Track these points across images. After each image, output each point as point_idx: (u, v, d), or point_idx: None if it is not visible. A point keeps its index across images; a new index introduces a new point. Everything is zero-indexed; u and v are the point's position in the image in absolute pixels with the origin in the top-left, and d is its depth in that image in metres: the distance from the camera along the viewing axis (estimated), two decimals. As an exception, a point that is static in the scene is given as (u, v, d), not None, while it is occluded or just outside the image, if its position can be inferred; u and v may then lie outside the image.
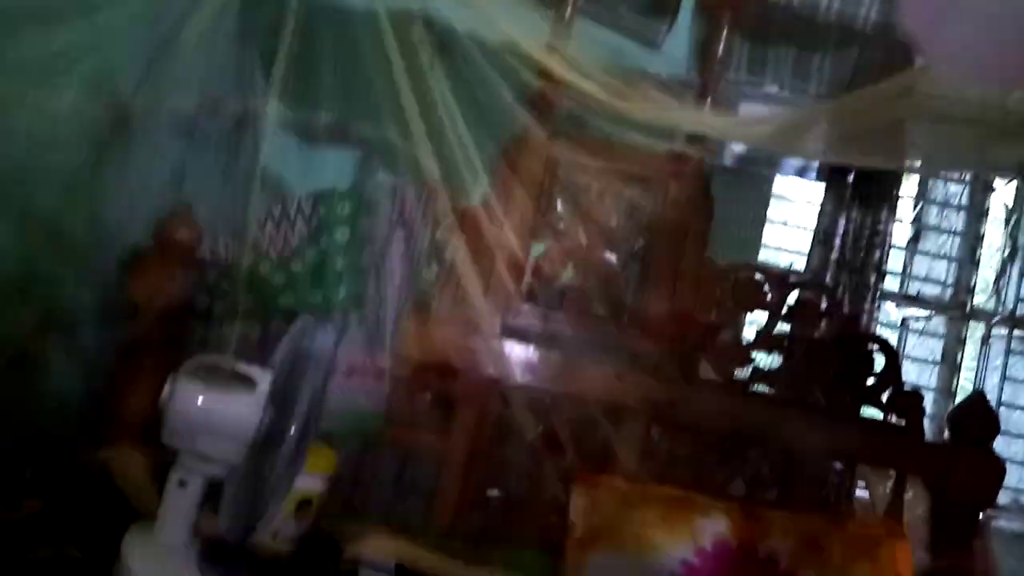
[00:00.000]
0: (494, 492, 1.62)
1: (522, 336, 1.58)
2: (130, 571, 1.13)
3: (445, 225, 1.59)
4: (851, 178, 2.46)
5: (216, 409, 1.15)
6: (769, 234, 2.76)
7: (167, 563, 1.15)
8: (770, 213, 2.72)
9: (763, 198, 2.57)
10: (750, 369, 1.63)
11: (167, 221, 1.57)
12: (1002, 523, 2.52)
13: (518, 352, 1.59)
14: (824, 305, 1.70)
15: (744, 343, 1.65)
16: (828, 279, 2.14)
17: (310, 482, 1.43)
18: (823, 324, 1.69)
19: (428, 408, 1.62)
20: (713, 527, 1.46)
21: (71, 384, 1.52)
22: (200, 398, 1.14)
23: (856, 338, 1.70)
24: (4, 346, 1.36)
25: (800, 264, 2.63)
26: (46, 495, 1.35)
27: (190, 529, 1.20)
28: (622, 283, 1.63)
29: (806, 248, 2.64)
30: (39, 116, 1.41)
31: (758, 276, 1.68)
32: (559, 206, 1.65)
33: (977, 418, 1.61)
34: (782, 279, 1.70)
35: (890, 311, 3.02)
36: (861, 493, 1.90)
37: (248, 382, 1.17)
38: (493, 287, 1.58)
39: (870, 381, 1.64)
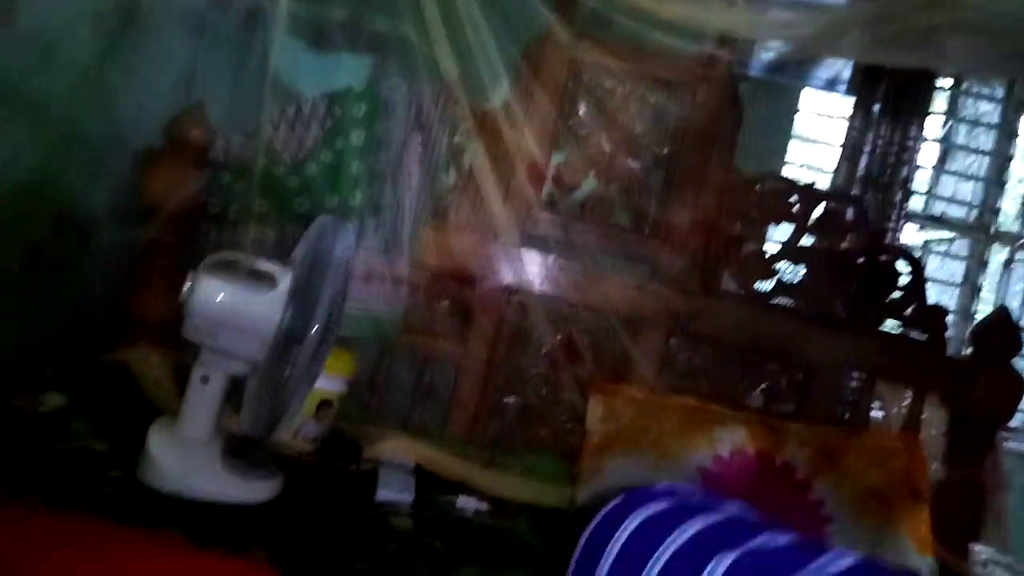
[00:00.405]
0: (511, 400, 1.62)
1: (541, 244, 1.56)
2: (155, 463, 1.15)
3: (464, 129, 1.55)
4: (881, 92, 2.39)
5: (237, 305, 1.14)
6: (793, 149, 2.70)
7: (191, 456, 1.16)
8: (795, 128, 2.66)
9: (789, 111, 2.50)
10: (773, 282, 1.61)
11: (179, 120, 1.53)
12: (1011, 444, 2.54)
13: (537, 261, 1.56)
14: (850, 218, 1.67)
15: (768, 255, 1.62)
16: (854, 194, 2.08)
17: (330, 384, 1.43)
18: (848, 238, 1.66)
19: (446, 315, 1.61)
20: (731, 436, 1.46)
21: (89, 284, 1.51)
22: (221, 294, 1.13)
23: (881, 251, 1.67)
24: (22, 246, 1.34)
25: (824, 181, 2.59)
26: (69, 391, 1.36)
27: (213, 425, 1.20)
28: (645, 191, 1.59)
29: (830, 165, 2.59)
30: (50, 14, 1.36)
31: (785, 186, 1.64)
32: (582, 111, 1.60)
33: (1000, 334, 1.59)
34: (809, 190, 1.66)
35: (912, 234, 2.98)
36: (876, 415, 1.91)
37: (269, 280, 1.16)
38: (512, 194, 1.54)
39: (894, 295, 1.62)
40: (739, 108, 1.65)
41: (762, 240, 1.65)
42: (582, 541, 0.73)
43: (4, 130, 1.28)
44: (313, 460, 1.40)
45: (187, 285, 1.14)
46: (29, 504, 0.94)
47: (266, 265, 1.17)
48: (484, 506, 1.38)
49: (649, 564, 0.64)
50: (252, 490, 1.19)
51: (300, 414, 1.35)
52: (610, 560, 0.66)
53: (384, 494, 1.32)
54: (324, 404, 1.43)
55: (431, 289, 1.59)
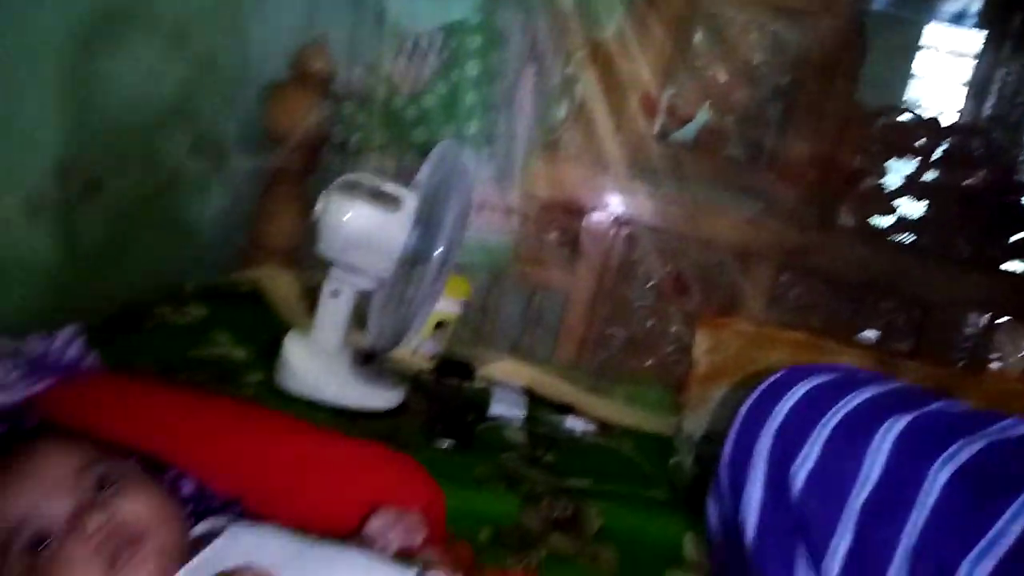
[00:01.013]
0: (617, 330, 1.65)
1: (652, 176, 1.56)
2: (291, 370, 1.24)
3: (577, 59, 1.55)
4: (1016, 26, 2.23)
5: (365, 225, 1.19)
6: (916, 86, 2.57)
7: (323, 364, 1.25)
8: (918, 63, 2.52)
9: (913, 46, 2.37)
10: (893, 218, 1.56)
11: (303, 54, 1.60)
12: None
13: (647, 193, 1.56)
14: (977, 154, 1.59)
15: (887, 190, 1.58)
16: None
17: (447, 305, 1.50)
18: (974, 175, 1.59)
19: (555, 246, 1.64)
20: (841, 371, 1.45)
21: (222, 207, 1.61)
22: (351, 213, 1.19)
23: (1010, 189, 1.59)
24: (162, 166, 1.44)
25: (948, 120, 2.45)
26: (208, 305, 1.47)
27: (342, 336, 1.28)
28: (762, 124, 1.56)
29: (954, 104, 2.45)
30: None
31: (908, 120, 1.58)
32: (698, 40, 1.57)
33: None
34: (934, 124, 1.59)
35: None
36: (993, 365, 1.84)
37: (395, 201, 1.22)
38: (624, 125, 1.54)
39: (1021, 235, 1.55)
40: (863, 40, 1.58)
41: (882, 175, 1.60)
42: (741, 413, 0.72)
43: (145, 54, 1.35)
44: (430, 376, 1.47)
45: (320, 204, 1.21)
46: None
47: (392, 187, 1.23)
48: (591, 427, 1.43)
49: (816, 429, 0.63)
50: (378, 398, 1.27)
51: (420, 332, 1.42)
52: (773, 427, 0.66)
53: (497, 409, 1.39)
54: (441, 324, 1.49)
55: (541, 219, 1.62)
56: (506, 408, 1.39)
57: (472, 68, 1.57)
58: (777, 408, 0.68)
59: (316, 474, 0.80)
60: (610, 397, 1.56)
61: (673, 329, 1.59)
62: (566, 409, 1.47)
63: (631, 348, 1.63)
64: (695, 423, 1.44)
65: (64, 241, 1.20)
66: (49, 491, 0.57)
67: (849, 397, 0.65)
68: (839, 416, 0.63)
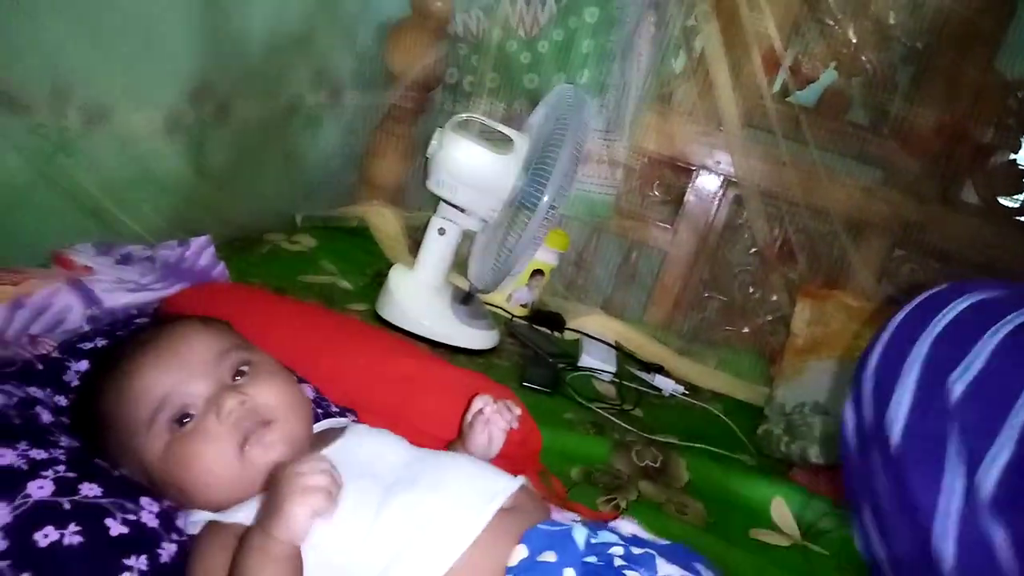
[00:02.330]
0: (714, 293, 1.63)
1: (768, 137, 1.50)
2: (394, 301, 1.27)
3: (700, 11, 1.51)
4: None
5: (477, 164, 1.21)
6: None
7: (425, 299, 1.28)
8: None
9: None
10: (1022, 196, 1.47)
11: (423, -8, 1.61)
12: None
13: (760, 154, 1.52)
14: None
15: (1020, 167, 1.48)
16: None
17: (545, 255, 1.51)
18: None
19: (658, 202, 1.62)
20: (949, 353, 1.38)
21: (335, 141, 1.65)
22: (465, 151, 1.20)
23: None
24: (283, 97, 1.49)
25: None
26: (317, 236, 1.53)
27: (445, 274, 1.31)
28: (890, 88, 1.48)
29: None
30: None
31: (1053, 94, 1.47)
32: (830, -4, 1.50)
33: None
34: (1083, 101, 1.47)
35: None
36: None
37: (507, 143, 1.22)
38: (744, 81, 1.49)
39: None
40: (1010, 2, 1.48)
41: (1015, 151, 1.50)
42: (893, 323, 0.66)
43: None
44: (523, 323, 1.49)
45: (435, 140, 1.23)
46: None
47: (506, 129, 1.23)
48: (680, 388, 1.42)
49: (982, 340, 0.58)
50: (474, 337, 1.30)
51: (517, 278, 1.43)
52: (931, 337, 0.61)
53: (588, 360, 1.39)
54: (537, 273, 1.50)
55: (646, 174, 1.60)
56: (596, 361, 1.40)
57: (590, 15, 1.54)
58: (937, 319, 0.62)
59: (423, 394, 0.83)
60: (701, 360, 1.55)
61: (773, 297, 1.56)
62: (656, 368, 1.47)
63: (727, 313, 1.60)
64: (787, 393, 1.41)
65: (195, 160, 1.26)
66: (193, 372, 0.62)
67: (1020, 312, 0.59)
68: (1008, 328, 0.58)
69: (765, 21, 1.45)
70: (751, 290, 1.59)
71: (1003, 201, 1.48)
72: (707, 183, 1.58)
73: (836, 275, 1.52)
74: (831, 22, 1.49)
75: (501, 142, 1.22)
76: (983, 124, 1.47)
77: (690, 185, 1.58)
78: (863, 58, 1.48)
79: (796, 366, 1.46)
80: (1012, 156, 1.49)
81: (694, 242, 1.60)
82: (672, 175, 1.60)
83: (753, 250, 1.58)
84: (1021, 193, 1.47)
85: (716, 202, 1.58)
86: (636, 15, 1.52)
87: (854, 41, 1.48)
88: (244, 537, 0.55)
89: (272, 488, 0.55)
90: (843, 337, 1.46)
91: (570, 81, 1.56)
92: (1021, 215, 1.47)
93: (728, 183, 1.56)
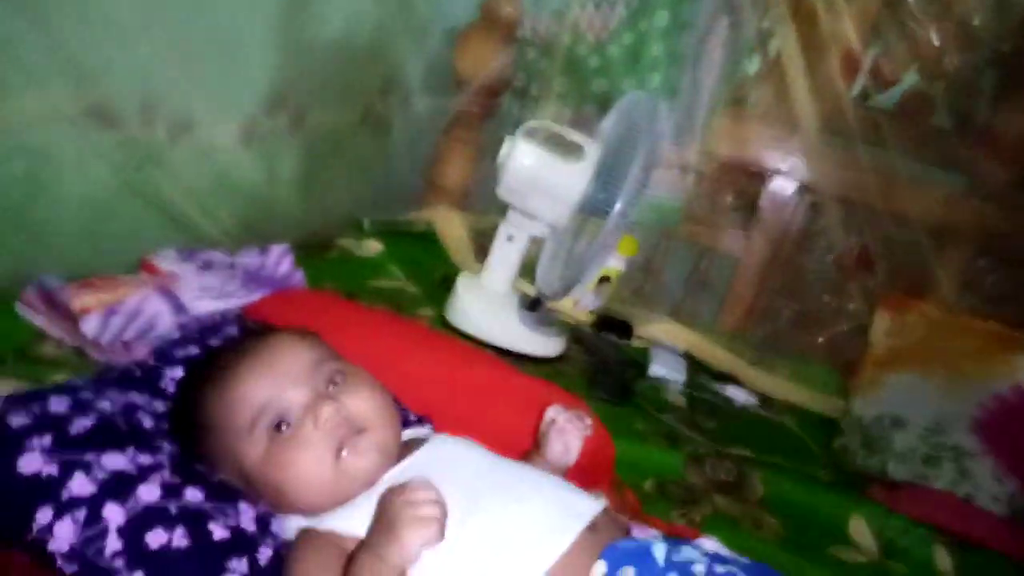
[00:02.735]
0: (789, 302, 1.59)
1: (846, 141, 1.46)
2: (462, 308, 1.28)
3: (775, 12, 1.47)
4: None
5: (547, 171, 1.20)
6: None
7: (492, 305, 1.28)
8: None
9: None
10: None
11: (492, -2, 1.62)
12: None
13: (838, 159, 1.47)
14: None
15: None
16: None
17: (613, 261, 1.49)
18: None
19: (730, 208, 1.59)
20: (1038, 369, 1.32)
21: (404, 147, 1.67)
22: (534, 158, 1.20)
23: None
24: (355, 104, 1.51)
25: None
26: (384, 241, 1.55)
27: (513, 280, 1.31)
28: (975, 92, 1.42)
29: None
30: None
31: None
32: (912, -3, 1.45)
33: None
34: None
35: None
36: None
37: (578, 150, 1.22)
38: (820, 85, 1.45)
39: None
40: (1106, 1, 1.40)
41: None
42: None
43: (349, -1, 1.42)
44: (590, 330, 1.48)
45: (504, 148, 1.23)
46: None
47: (577, 136, 1.23)
48: (753, 399, 1.39)
49: None
50: (542, 344, 1.30)
51: (588, 284, 1.42)
52: None
53: (657, 369, 1.38)
54: (604, 279, 1.49)
55: (718, 180, 1.57)
56: (666, 370, 1.38)
57: (661, 18, 1.52)
58: None
59: (497, 404, 0.83)
60: (774, 371, 1.51)
61: (851, 307, 1.51)
62: (727, 378, 1.44)
63: (801, 322, 1.56)
64: (865, 406, 1.37)
65: (269, 168, 1.29)
66: (291, 380, 0.64)
67: None
68: None
69: (843, 23, 1.41)
70: (826, 299, 1.54)
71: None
72: (782, 188, 1.54)
73: (917, 285, 1.46)
74: (912, 23, 1.44)
75: (571, 149, 1.21)
76: (1077, 130, 1.40)
77: (764, 191, 1.55)
78: (946, 61, 1.42)
79: (874, 379, 1.41)
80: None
81: (768, 249, 1.56)
82: (745, 180, 1.57)
83: (829, 257, 1.54)
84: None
85: (791, 208, 1.54)
86: (708, 18, 1.50)
87: (936, 43, 1.42)
88: (354, 556, 0.57)
89: (384, 510, 0.57)
90: (924, 350, 1.40)
91: (640, 85, 1.54)
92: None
93: (804, 189, 1.52)
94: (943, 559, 1.04)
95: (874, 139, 1.43)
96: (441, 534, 0.56)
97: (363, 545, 0.57)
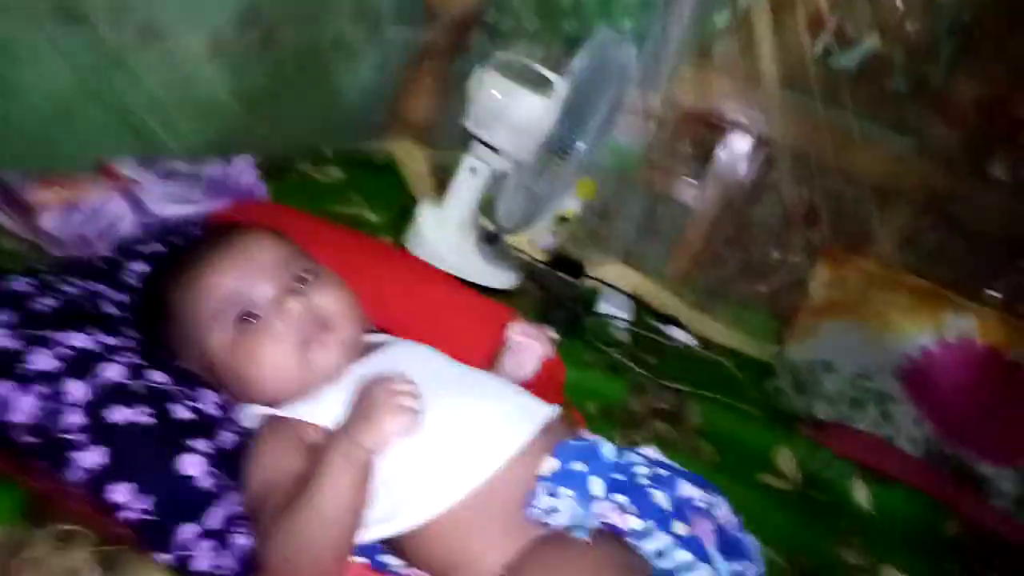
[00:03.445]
0: (735, 251, 1.64)
1: (805, 98, 1.50)
2: (422, 236, 1.30)
3: (746, -34, 1.49)
4: None
5: (515, 103, 1.22)
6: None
7: (452, 236, 1.30)
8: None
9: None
10: (1054, 176, 1.47)
11: (467, -72, 1.60)
12: None
13: (796, 114, 1.51)
14: None
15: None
16: None
17: (571, 202, 1.53)
18: None
19: (688, 156, 1.63)
20: (961, 324, 1.41)
21: (371, 76, 1.66)
22: (503, 90, 1.21)
23: None
24: (326, 27, 1.49)
25: None
26: (345, 169, 1.54)
27: (473, 212, 1.33)
28: (932, 58, 1.47)
29: None
30: None
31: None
32: (880, -41, 1.48)
33: None
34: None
35: None
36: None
37: (547, 85, 1.23)
38: (785, 40, 1.48)
39: None
40: (1062, -22, 1.46)
41: (1052, 129, 1.50)
42: None
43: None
44: (544, 267, 1.52)
45: (475, 77, 1.23)
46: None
47: (547, 72, 1.24)
48: (694, 341, 1.46)
49: None
50: (497, 277, 1.33)
51: (544, 221, 1.45)
52: None
53: (605, 307, 1.43)
54: (562, 219, 1.52)
55: (678, 129, 1.60)
56: (614, 307, 1.43)
57: (635, -37, 1.53)
58: None
59: (456, 319, 0.86)
60: (716, 316, 1.58)
61: (794, 259, 1.57)
62: (671, 320, 1.50)
63: (746, 272, 1.62)
64: (799, 351, 1.45)
65: (235, 85, 1.27)
66: (260, 274, 0.65)
67: None
68: None
69: (812, -20, 1.44)
70: (771, 250, 1.60)
71: (1033, 178, 1.49)
72: (739, 141, 1.58)
73: (858, 241, 1.53)
74: (879, -15, 1.47)
75: (540, 84, 1.23)
76: (1022, 100, 1.46)
77: (721, 141, 1.59)
78: (907, 26, 1.47)
79: (809, 326, 1.49)
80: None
81: (720, 199, 1.61)
82: (705, 131, 1.60)
83: (778, 211, 1.59)
84: (1052, 171, 1.48)
85: (746, 160, 1.59)
86: (682, -35, 1.51)
87: (901, 8, 1.46)
88: (328, 440, 0.59)
89: (365, 398, 0.59)
90: (859, 301, 1.48)
91: (611, 28, 1.55)
92: (1049, 194, 1.48)
93: (760, 142, 1.56)
94: (861, 491, 1.13)
95: (832, 98, 1.48)
96: (418, 424, 0.58)
97: (339, 430, 0.59)
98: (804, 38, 1.45)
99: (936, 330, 1.41)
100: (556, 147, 1.23)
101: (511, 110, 1.22)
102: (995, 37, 1.44)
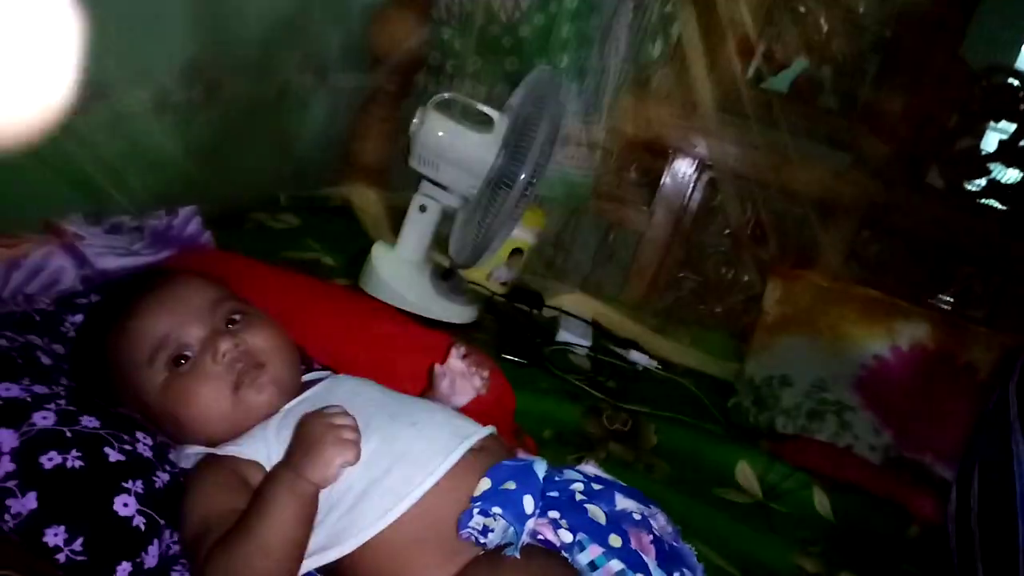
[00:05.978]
0: (689, 274, 1.68)
1: (741, 121, 1.55)
2: (376, 276, 1.31)
3: (677, -2, 1.55)
4: None
5: (457, 142, 1.25)
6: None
7: (406, 274, 1.32)
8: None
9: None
10: (984, 181, 1.53)
11: (408, -24, 1.65)
12: None
13: (734, 138, 1.57)
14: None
15: (983, 153, 1.54)
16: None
17: (523, 234, 1.55)
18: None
19: (635, 184, 1.67)
20: (912, 331, 1.44)
21: (320, 124, 1.69)
22: (445, 129, 1.24)
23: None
24: (272, 78, 1.52)
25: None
26: (301, 215, 1.56)
27: (426, 249, 1.35)
28: (859, 76, 1.54)
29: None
30: None
31: (1015, 82, 1.53)
32: (802, -15, 1.55)
33: None
34: (1043, 89, 1.53)
35: None
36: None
37: (487, 122, 1.26)
38: (718, 67, 1.54)
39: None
40: (975, -6, 1.53)
41: (979, 137, 1.56)
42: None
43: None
44: (502, 300, 1.54)
45: (416, 119, 1.27)
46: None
47: (487, 109, 1.27)
48: (654, 364, 1.47)
49: None
50: (454, 312, 1.34)
51: (495, 257, 1.47)
52: None
53: (565, 335, 1.44)
54: (516, 252, 1.55)
55: (623, 157, 1.65)
56: (573, 335, 1.45)
57: (570, 1, 1.58)
58: None
59: (402, 353, 0.87)
60: (675, 338, 1.60)
61: (746, 278, 1.61)
62: (630, 344, 1.51)
63: (701, 293, 1.66)
64: (757, 367, 1.47)
65: (184, 138, 1.29)
66: (191, 315, 0.66)
67: None
68: None
69: (739, 8, 1.50)
70: (724, 271, 1.64)
71: (967, 185, 1.54)
72: (683, 166, 1.63)
73: (805, 256, 1.57)
74: (803, 10, 1.54)
75: (481, 122, 1.26)
76: (948, 111, 1.52)
77: (666, 168, 1.63)
78: (834, 46, 1.53)
79: (766, 342, 1.52)
80: (976, 142, 1.55)
81: (670, 224, 1.65)
82: (649, 158, 1.64)
83: (726, 232, 1.63)
84: (983, 177, 1.53)
85: (691, 185, 1.63)
86: (615, 1, 1.56)
87: (825, 29, 1.53)
88: (271, 475, 0.60)
89: (307, 432, 0.60)
90: (812, 315, 1.51)
91: (550, 65, 1.60)
92: (983, 198, 1.53)
93: (703, 166, 1.61)
94: (822, 499, 1.14)
95: (767, 119, 1.53)
96: (358, 455, 0.58)
97: (281, 465, 0.60)
98: (736, 64, 1.51)
99: (889, 338, 1.44)
100: (500, 180, 1.26)
101: (453, 147, 1.24)
102: (917, 52, 1.51)
